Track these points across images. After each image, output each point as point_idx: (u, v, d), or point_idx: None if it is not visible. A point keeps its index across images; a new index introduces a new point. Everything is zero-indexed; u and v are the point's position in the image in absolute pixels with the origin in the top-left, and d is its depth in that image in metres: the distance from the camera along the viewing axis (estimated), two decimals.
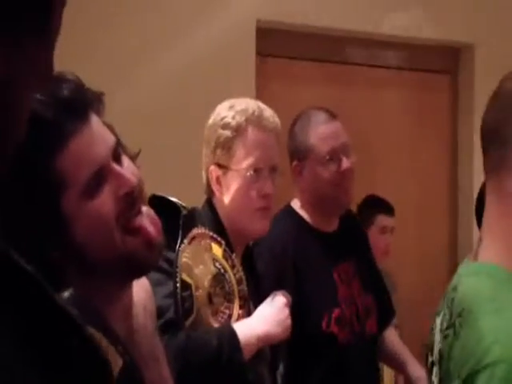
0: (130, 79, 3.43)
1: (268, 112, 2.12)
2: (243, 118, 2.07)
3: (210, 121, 2.13)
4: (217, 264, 1.97)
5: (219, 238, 2.03)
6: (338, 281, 2.49)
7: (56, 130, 1.19)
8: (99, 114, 1.28)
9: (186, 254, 1.92)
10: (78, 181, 1.20)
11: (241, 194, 2.07)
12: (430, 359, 1.36)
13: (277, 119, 2.14)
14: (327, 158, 2.50)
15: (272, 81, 3.92)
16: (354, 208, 3.58)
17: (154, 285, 1.82)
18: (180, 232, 1.92)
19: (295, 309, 2.32)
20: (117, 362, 1.17)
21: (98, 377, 0.79)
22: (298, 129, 2.58)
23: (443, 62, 4.28)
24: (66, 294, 1.18)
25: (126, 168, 1.27)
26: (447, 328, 1.23)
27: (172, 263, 1.87)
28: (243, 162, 2.06)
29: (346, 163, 2.50)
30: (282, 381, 2.21)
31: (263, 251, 2.36)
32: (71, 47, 3.09)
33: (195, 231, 1.98)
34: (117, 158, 1.26)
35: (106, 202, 1.22)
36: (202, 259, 1.96)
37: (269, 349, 2.07)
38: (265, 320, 1.98)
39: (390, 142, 4.11)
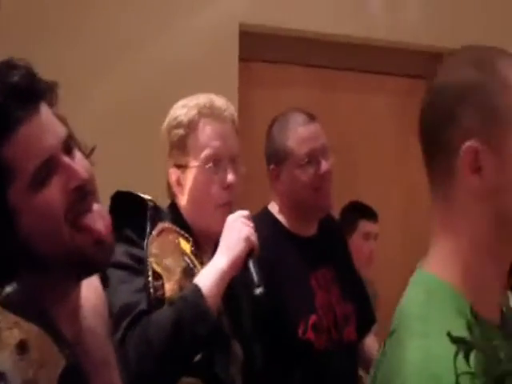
0: (107, 81, 3.40)
1: (220, 101, 2.10)
2: (195, 112, 2.06)
3: (165, 124, 2.11)
4: (186, 258, 1.94)
5: (186, 235, 2.01)
6: (315, 287, 2.46)
7: (3, 117, 1.17)
8: (51, 104, 1.27)
9: (155, 245, 1.91)
10: (25, 171, 1.18)
11: (202, 189, 2.04)
12: None
13: (231, 108, 2.13)
14: (306, 160, 2.47)
15: (255, 85, 3.92)
16: (336, 214, 3.62)
17: (120, 282, 1.85)
18: (148, 223, 1.93)
19: (271, 315, 2.35)
20: (58, 363, 1.17)
21: None
22: (276, 131, 2.55)
23: (428, 67, 4.25)
24: (9, 288, 1.20)
25: (78, 161, 1.25)
26: (384, 345, 1.19)
27: (138, 260, 1.87)
28: (200, 156, 2.04)
29: (324, 166, 2.48)
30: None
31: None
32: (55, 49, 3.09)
33: (162, 225, 1.97)
34: (68, 151, 1.25)
35: (54, 194, 1.20)
36: (171, 251, 1.94)
37: (241, 350, 2.04)
38: (226, 248, 1.92)
39: (374, 148, 4.14)
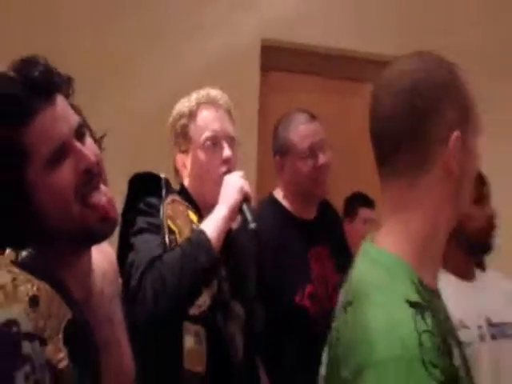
0: (142, 86, 3.41)
1: (215, 92, 2.11)
2: (194, 103, 2.07)
3: (169, 120, 2.12)
4: (193, 226, 1.94)
5: (194, 209, 2.02)
6: (312, 261, 2.45)
7: (23, 107, 1.18)
8: (67, 95, 1.27)
9: (169, 208, 1.92)
10: (41, 154, 1.18)
11: (204, 164, 2.04)
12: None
13: (226, 97, 2.12)
14: (306, 153, 2.46)
15: (273, 92, 3.89)
16: (339, 202, 3.61)
17: (142, 242, 1.84)
18: (163, 191, 1.94)
19: (273, 284, 2.34)
20: (65, 316, 1.16)
21: None
22: (282, 128, 2.54)
23: None
24: (25, 252, 1.20)
25: (88, 147, 1.25)
26: (340, 311, 1.17)
27: (155, 226, 1.88)
28: (201, 138, 2.04)
29: (322, 159, 2.46)
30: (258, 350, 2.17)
31: (247, 231, 2.32)
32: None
33: (173, 197, 1.98)
34: (80, 137, 1.24)
35: (65, 175, 1.20)
36: (181, 216, 1.95)
37: (243, 312, 2.03)
38: (224, 199, 1.94)
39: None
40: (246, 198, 1.96)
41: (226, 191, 1.95)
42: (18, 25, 3.18)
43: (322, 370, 1.24)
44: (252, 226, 1.94)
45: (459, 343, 1.20)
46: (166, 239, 1.86)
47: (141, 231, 1.87)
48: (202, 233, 1.85)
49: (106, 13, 3.38)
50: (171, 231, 1.88)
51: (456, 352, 1.11)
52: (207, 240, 1.83)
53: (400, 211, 1.19)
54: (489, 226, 2.19)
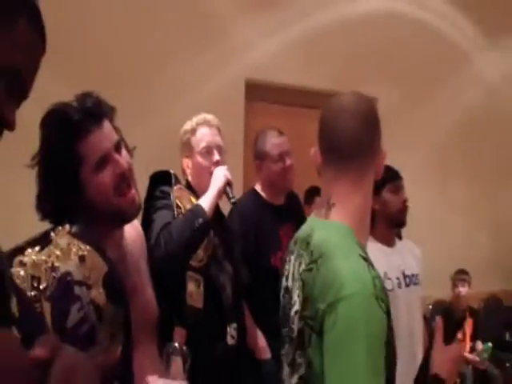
0: (157, 117, 3.37)
1: (210, 117, 2.12)
2: (194, 123, 2.09)
3: (179, 137, 2.13)
4: None
5: (194, 195, 2.02)
6: (282, 235, 2.46)
7: (80, 127, 1.22)
8: (111, 118, 1.30)
9: (177, 191, 1.94)
10: (91, 161, 1.23)
11: (201, 166, 2.05)
12: (284, 283, 1.30)
13: (216, 119, 2.13)
14: (277, 158, 2.48)
15: (255, 116, 3.85)
16: (302, 193, 3.59)
17: (160, 217, 1.84)
18: (173, 181, 1.95)
19: (254, 250, 2.36)
20: (103, 269, 1.18)
21: None
22: (259, 140, 2.56)
23: None
24: (75, 227, 1.21)
25: (123, 157, 1.29)
26: (310, 263, 1.16)
27: (168, 205, 1.88)
28: (198, 147, 2.06)
29: (288, 162, 2.49)
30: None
31: (235, 216, 2.35)
32: None
33: (180, 186, 2.00)
34: (117, 150, 1.28)
35: (107, 176, 1.25)
36: (185, 198, 1.97)
37: (232, 269, 2.03)
38: (213, 184, 1.96)
39: None
40: (228, 183, 1.99)
41: (215, 178, 1.98)
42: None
43: (293, 309, 1.21)
44: (233, 200, 1.99)
45: None
46: (175, 212, 1.87)
47: (157, 210, 1.88)
48: (197, 204, 1.88)
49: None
50: (178, 207, 1.90)
51: None
52: (202, 208, 1.85)
53: (345, 198, 1.20)
54: (403, 208, 2.23)
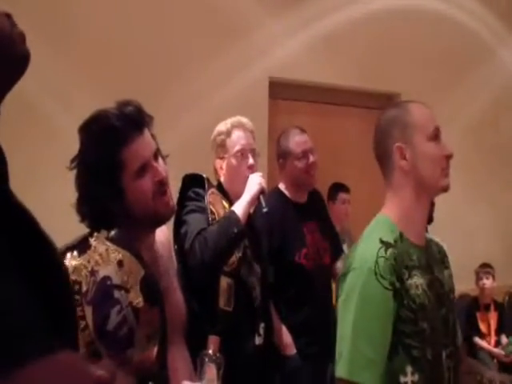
0: (190, 117, 3.41)
1: (244, 119, 2.13)
2: (229, 125, 2.10)
3: (212, 135, 2.14)
4: (226, 210, 1.97)
5: (226, 199, 2.04)
6: (306, 232, 2.48)
7: (122, 135, 1.23)
8: (150, 127, 1.32)
9: (211, 197, 1.96)
10: (132, 168, 1.24)
11: (235, 168, 2.06)
12: None
13: (251, 123, 2.14)
14: (300, 156, 2.48)
15: (278, 115, 3.85)
16: (326, 190, 3.64)
17: (195, 221, 1.87)
18: (206, 185, 1.97)
19: (279, 248, 2.38)
20: (140, 273, 1.21)
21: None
22: (282, 139, 2.57)
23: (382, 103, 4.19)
24: (114, 231, 1.24)
25: (160, 165, 1.31)
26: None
27: (202, 208, 1.91)
28: (233, 150, 2.07)
29: (311, 159, 2.49)
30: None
31: (260, 214, 2.35)
32: None
33: (213, 189, 2.01)
34: (155, 158, 1.30)
35: (146, 183, 1.26)
36: (218, 203, 1.98)
37: (259, 268, 2.05)
38: (248, 190, 1.97)
39: (349, 154, 4.07)
40: (262, 191, 1.99)
41: (249, 185, 1.98)
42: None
43: None
44: (265, 209, 1.99)
45: (434, 282, 1.33)
46: (209, 218, 1.88)
47: (191, 211, 1.89)
48: (232, 212, 1.88)
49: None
50: (212, 212, 1.91)
51: (418, 282, 1.27)
52: (236, 216, 1.86)
53: (390, 195, 1.38)
54: (430, 205, 2.24)
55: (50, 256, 0.69)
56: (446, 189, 1.34)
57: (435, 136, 1.33)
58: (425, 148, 1.32)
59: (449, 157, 1.33)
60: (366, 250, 1.26)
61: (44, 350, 0.51)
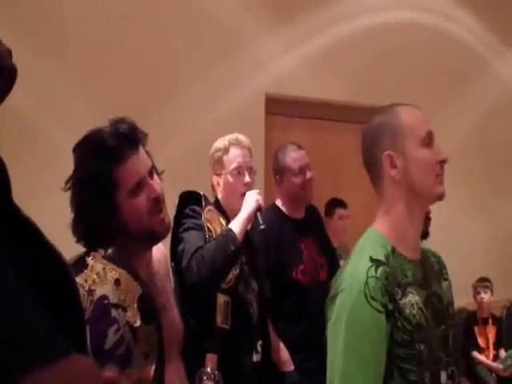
0: (187, 134, 3.42)
1: (241, 137, 2.13)
2: (227, 142, 2.10)
3: (210, 152, 2.14)
4: (223, 227, 1.97)
5: (223, 216, 2.04)
6: (303, 248, 2.48)
7: (117, 153, 1.22)
8: (144, 145, 1.31)
9: (207, 214, 1.96)
10: (126, 185, 1.24)
11: (231, 185, 2.07)
12: None
13: (248, 141, 2.15)
14: (297, 172, 2.49)
15: (275, 130, 3.87)
16: (322, 205, 3.64)
17: (192, 238, 1.87)
18: (203, 202, 1.97)
19: (276, 265, 2.38)
20: (137, 291, 1.21)
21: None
22: (280, 155, 2.57)
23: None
24: (110, 250, 1.24)
25: (155, 182, 1.30)
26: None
27: (199, 225, 1.91)
28: (230, 167, 2.07)
29: (308, 175, 2.50)
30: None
31: (257, 231, 2.35)
32: None
33: (210, 207, 2.01)
34: (151, 175, 1.29)
35: (141, 201, 1.26)
36: (215, 221, 1.98)
37: (256, 285, 2.05)
38: (245, 207, 1.96)
39: (348, 168, 4.05)
40: (259, 208, 1.99)
41: (246, 202, 1.97)
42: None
43: None
44: (262, 226, 1.99)
45: (431, 298, 1.26)
46: (206, 235, 1.89)
47: (188, 229, 1.89)
48: (229, 229, 1.88)
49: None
50: (209, 230, 1.91)
51: (414, 300, 1.18)
52: (233, 234, 1.86)
53: (381, 207, 1.27)
54: (426, 219, 2.25)
55: (58, 264, 0.69)
56: (441, 196, 1.22)
57: (428, 140, 1.22)
58: (417, 154, 1.21)
59: (443, 162, 1.21)
60: (356, 270, 1.16)
61: (56, 354, 0.52)
